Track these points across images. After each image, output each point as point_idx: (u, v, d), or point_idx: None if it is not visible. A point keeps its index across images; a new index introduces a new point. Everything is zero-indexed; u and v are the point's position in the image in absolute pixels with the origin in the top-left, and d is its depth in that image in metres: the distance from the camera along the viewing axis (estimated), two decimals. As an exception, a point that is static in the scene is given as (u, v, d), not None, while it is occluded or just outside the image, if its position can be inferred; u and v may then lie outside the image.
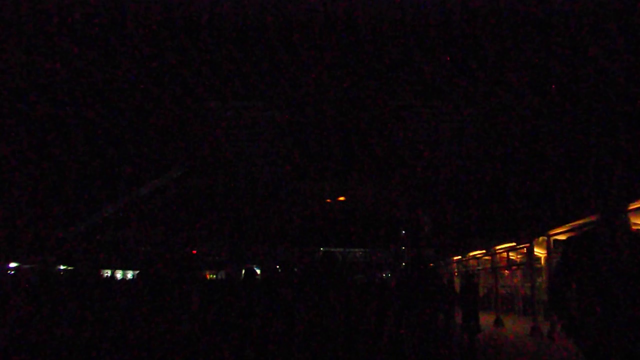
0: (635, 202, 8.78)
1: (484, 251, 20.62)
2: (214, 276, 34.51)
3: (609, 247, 3.36)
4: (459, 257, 25.96)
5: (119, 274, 33.73)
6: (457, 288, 23.71)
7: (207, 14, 30.12)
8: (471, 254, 22.66)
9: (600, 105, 28.74)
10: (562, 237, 12.74)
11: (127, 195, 38.13)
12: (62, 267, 27.61)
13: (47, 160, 32.15)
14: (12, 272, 24.49)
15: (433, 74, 36.02)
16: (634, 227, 9.31)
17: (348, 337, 5.07)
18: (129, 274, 33.08)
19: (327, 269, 5.33)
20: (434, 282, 6.88)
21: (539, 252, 15.63)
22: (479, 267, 23.74)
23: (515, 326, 14.50)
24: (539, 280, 16.13)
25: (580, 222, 11.14)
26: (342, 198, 43.86)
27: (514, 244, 15.95)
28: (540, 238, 13.33)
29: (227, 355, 6.46)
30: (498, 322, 15.64)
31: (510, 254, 18.87)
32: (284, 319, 5.49)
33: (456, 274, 28.21)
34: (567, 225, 11.74)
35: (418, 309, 6.54)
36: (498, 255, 19.02)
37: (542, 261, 16.42)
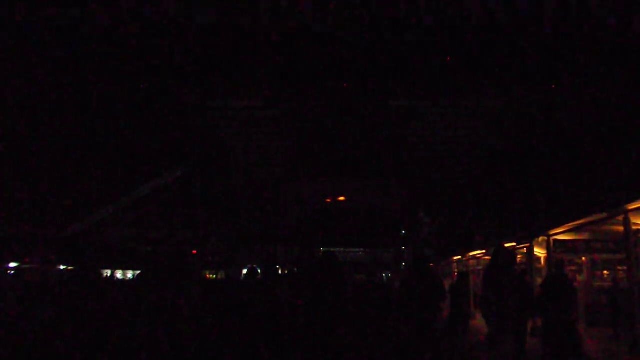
0: (635, 202, 8.77)
1: (483, 251, 20.59)
2: (214, 276, 34.50)
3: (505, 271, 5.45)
4: (459, 257, 25.94)
5: (119, 274, 33.72)
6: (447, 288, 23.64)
7: (209, 14, 30.12)
8: (471, 254, 22.64)
9: (600, 105, 28.75)
10: (562, 237, 12.72)
11: (127, 195, 38.14)
12: (62, 267, 27.59)
13: (47, 160, 32.16)
14: (12, 272, 24.48)
15: (434, 74, 36.01)
16: (634, 227, 9.24)
17: (349, 336, 5.08)
18: (129, 274, 33.08)
19: (328, 269, 5.34)
20: (433, 282, 6.88)
21: (539, 252, 15.60)
22: (479, 267, 23.72)
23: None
24: (539, 280, 16.11)
25: (580, 222, 11.12)
26: (342, 198, 43.83)
27: (514, 244, 15.92)
28: (540, 238, 13.31)
29: (227, 355, 6.46)
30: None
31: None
32: (284, 319, 5.49)
33: (456, 273, 28.18)
34: (567, 225, 11.73)
35: (421, 311, 6.54)
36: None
37: (542, 261, 16.40)
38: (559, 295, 6.60)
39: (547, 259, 13.87)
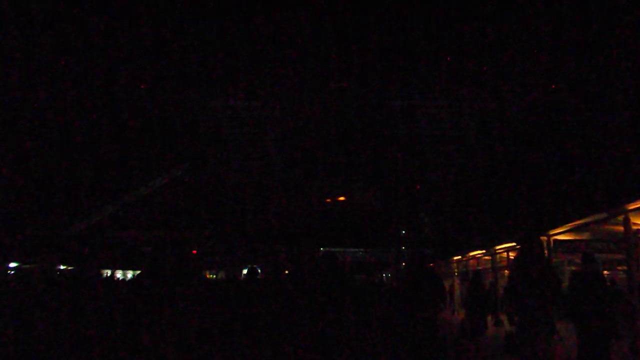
0: (635, 202, 8.78)
1: (483, 251, 20.63)
2: (214, 276, 34.51)
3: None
4: (459, 257, 25.96)
5: (119, 274, 33.74)
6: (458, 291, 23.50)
7: (209, 13, 30.11)
8: (471, 254, 22.67)
9: (601, 106, 28.75)
10: (562, 237, 12.72)
11: (127, 195, 38.13)
12: (62, 267, 27.58)
13: (47, 160, 32.15)
14: (12, 272, 24.48)
15: (434, 74, 36.01)
16: (634, 227, 9.21)
17: (350, 336, 5.08)
18: (129, 274, 33.09)
19: (328, 269, 5.34)
20: (433, 282, 6.89)
21: (539, 252, 15.60)
22: (479, 267, 23.72)
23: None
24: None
25: (581, 222, 11.13)
26: (342, 198, 43.83)
27: (514, 244, 15.95)
28: (541, 238, 13.32)
29: (227, 355, 6.46)
30: (498, 322, 15.69)
31: (510, 254, 18.86)
32: (285, 319, 5.49)
33: (456, 274, 28.21)
34: (567, 225, 11.74)
35: (421, 311, 6.55)
36: (498, 256, 19.02)
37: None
38: (593, 298, 5.45)
39: (547, 258, 13.86)
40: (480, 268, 20.27)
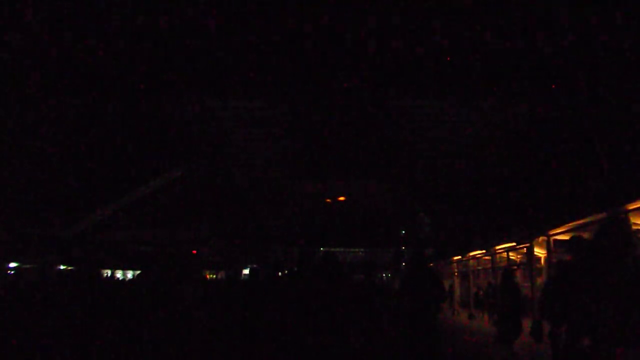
0: (635, 202, 8.77)
1: (483, 251, 20.65)
2: (214, 276, 34.55)
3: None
4: (459, 257, 25.98)
5: (119, 274, 33.76)
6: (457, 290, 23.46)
7: (209, 12, 30.09)
8: (470, 254, 22.68)
9: (600, 104, 28.73)
10: (562, 237, 12.71)
11: (127, 195, 38.12)
12: (62, 267, 27.58)
13: (47, 159, 32.15)
14: (12, 272, 24.50)
15: (434, 74, 35.98)
16: (634, 227, 9.19)
17: (349, 336, 5.08)
18: (129, 274, 33.11)
19: (328, 269, 5.34)
20: (433, 282, 6.90)
21: (539, 252, 15.62)
22: (479, 267, 23.76)
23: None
24: (539, 280, 16.11)
25: (580, 222, 11.13)
26: (342, 198, 43.87)
27: (514, 244, 15.97)
28: (540, 238, 13.34)
29: (226, 355, 6.47)
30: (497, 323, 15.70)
31: (510, 254, 18.87)
32: (285, 318, 5.49)
33: (456, 274, 28.25)
34: (567, 225, 11.73)
35: (421, 310, 6.55)
36: (498, 256, 19.03)
37: (542, 261, 16.42)
38: None
39: (547, 258, 13.90)
40: (508, 264, 19.80)
